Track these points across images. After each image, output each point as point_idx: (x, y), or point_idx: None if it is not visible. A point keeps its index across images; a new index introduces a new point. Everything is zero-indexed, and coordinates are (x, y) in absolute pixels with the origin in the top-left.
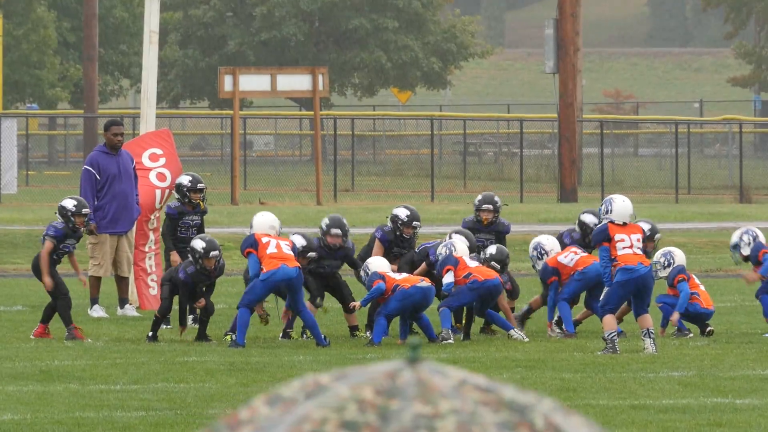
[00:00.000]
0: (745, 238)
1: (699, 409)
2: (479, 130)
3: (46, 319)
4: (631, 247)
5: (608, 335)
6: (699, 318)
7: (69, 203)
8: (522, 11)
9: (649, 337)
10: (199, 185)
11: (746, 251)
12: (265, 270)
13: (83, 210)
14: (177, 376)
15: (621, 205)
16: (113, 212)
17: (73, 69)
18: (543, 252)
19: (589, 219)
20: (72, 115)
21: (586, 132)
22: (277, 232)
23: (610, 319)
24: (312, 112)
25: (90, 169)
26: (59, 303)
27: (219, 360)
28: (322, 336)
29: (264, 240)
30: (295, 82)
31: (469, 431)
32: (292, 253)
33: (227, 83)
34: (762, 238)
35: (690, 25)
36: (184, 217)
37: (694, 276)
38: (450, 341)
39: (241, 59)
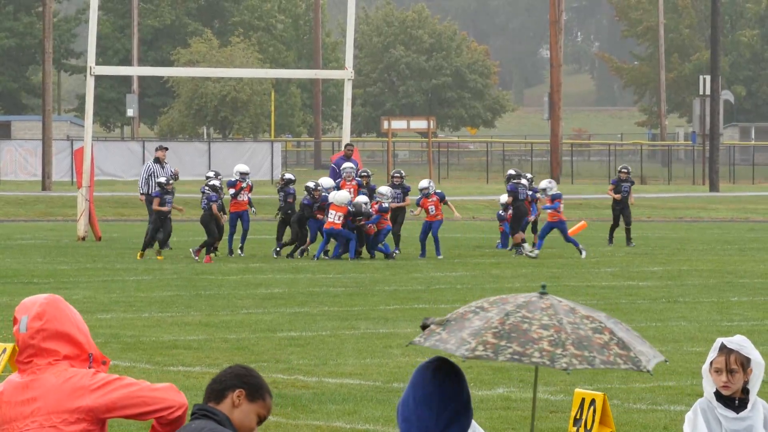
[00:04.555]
0: (551, 185)
1: (620, 288)
2: (511, 148)
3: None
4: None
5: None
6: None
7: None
8: (532, 88)
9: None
10: (286, 176)
11: (551, 193)
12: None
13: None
14: (359, 270)
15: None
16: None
17: (308, 117)
18: None
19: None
20: (308, 141)
21: (564, 149)
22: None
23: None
24: (428, 139)
25: (334, 167)
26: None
27: (381, 263)
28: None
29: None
30: (419, 124)
31: (571, 323)
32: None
33: (385, 124)
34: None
35: (616, 95)
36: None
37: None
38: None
39: (391, 112)
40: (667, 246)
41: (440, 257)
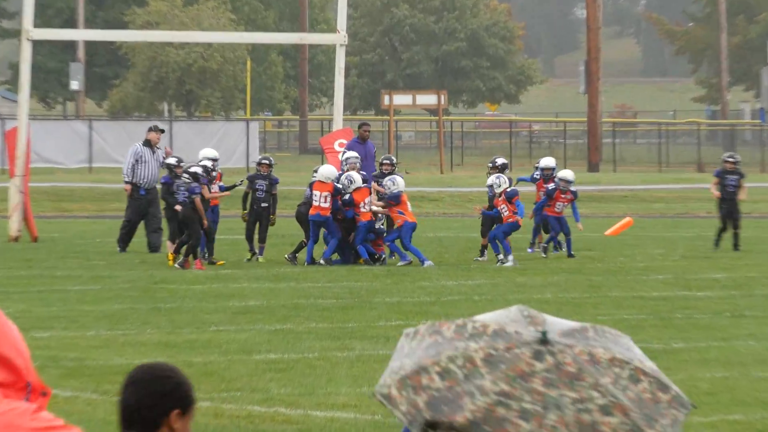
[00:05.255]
0: (498, 181)
1: (674, 298)
2: (539, 128)
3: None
4: None
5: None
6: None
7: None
8: (565, 55)
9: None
10: (263, 161)
11: (498, 190)
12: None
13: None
14: (355, 277)
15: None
16: None
17: (292, 91)
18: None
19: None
20: (291, 120)
21: (604, 129)
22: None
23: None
24: (437, 117)
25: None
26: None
27: (383, 269)
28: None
29: None
30: (427, 99)
31: (493, 410)
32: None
33: (386, 100)
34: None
35: (667, 64)
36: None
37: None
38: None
39: (394, 85)
40: (731, 248)
41: (405, 262)
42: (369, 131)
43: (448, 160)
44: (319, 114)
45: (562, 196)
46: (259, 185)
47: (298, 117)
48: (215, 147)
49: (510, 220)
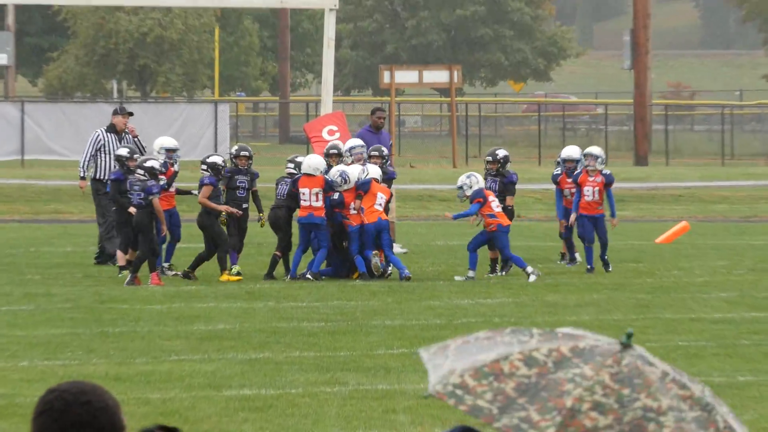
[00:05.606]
0: (468, 181)
1: (741, 321)
2: (574, 112)
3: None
4: None
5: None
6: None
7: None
8: (606, 22)
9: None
10: (243, 152)
11: (469, 192)
12: None
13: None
14: (348, 295)
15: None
16: None
17: (270, 66)
18: None
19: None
20: (270, 101)
21: (654, 113)
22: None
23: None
24: (449, 99)
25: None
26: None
27: (380, 284)
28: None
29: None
30: (437, 76)
31: (681, 428)
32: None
33: (386, 77)
34: (482, 184)
35: (732, 33)
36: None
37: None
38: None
39: (396, 59)
40: None
41: (405, 276)
42: (384, 118)
43: (462, 151)
44: (304, 94)
45: (590, 178)
46: (241, 182)
47: (277, 98)
48: (175, 135)
49: (491, 228)
